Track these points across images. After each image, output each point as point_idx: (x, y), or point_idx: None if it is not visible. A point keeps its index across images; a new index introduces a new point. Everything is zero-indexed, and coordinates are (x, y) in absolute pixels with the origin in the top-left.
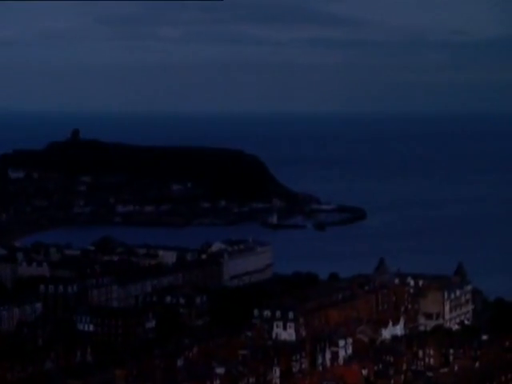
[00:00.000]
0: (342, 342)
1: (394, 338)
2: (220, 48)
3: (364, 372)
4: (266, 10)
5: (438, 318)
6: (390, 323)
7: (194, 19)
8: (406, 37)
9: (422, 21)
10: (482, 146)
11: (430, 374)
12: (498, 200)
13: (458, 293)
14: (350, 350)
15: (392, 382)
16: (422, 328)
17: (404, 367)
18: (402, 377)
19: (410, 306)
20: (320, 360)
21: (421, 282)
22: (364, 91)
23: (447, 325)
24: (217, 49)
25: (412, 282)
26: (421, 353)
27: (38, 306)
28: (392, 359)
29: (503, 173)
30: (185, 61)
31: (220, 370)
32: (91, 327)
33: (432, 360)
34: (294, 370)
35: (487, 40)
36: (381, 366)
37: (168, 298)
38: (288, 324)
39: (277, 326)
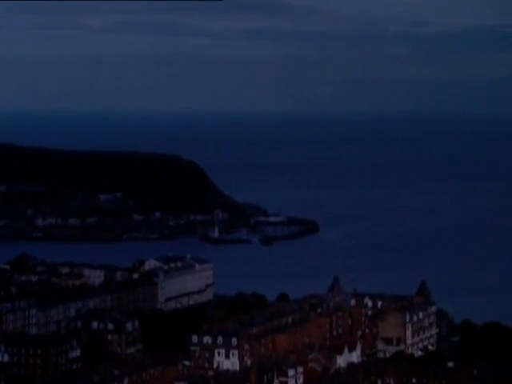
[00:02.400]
0: (291, 372)
1: (350, 365)
2: (151, 39)
3: None
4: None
5: (398, 343)
6: (346, 349)
7: (122, 7)
8: (360, 28)
9: (378, 10)
10: (446, 151)
11: None
12: (463, 211)
13: (420, 315)
14: (300, 380)
15: None
16: (381, 355)
17: None
18: None
19: (367, 330)
20: None
21: (380, 304)
22: (314, 88)
23: (409, 351)
24: (147, 40)
25: (370, 304)
26: (380, 382)
27: None
28: None
29: (468, 180)
30: (110, 53)
31: None
32: (5, 357)
33: None
34: None
35: (450, 32)
36: None
37: (95, 324)
38: (231, 351)
39: (218, 354)
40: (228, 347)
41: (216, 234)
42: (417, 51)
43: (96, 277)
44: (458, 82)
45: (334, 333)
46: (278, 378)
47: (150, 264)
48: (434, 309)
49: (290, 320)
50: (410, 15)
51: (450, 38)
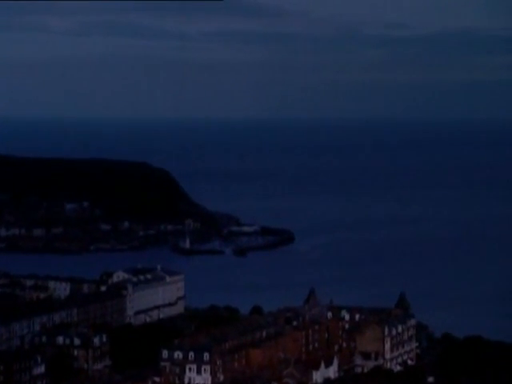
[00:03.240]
0: None
1: (327, 381)
2: (119, 41)
3: None
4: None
5: (377, 357)
6: (322, 364)
7: (88, 8)
8: (336, 30)
9: (354, 12)
10: (426, 157)
11: None
12: (442, 220)
13: (399, 328)
14: None
15: None
16: (358, 370)
17: None
18: None
19: (344, 345)
20: None
21: (357, 316)
22: (287, 94)
23: (388, 365)
24: (115, 42)
25: (347, 317)
26: None
27: None
28: None
29: (446, 188)
30: (77, 56)
31: None
32: None
33: None
34: None
35: (429, 35)
36: None
37: (60, 338)
38: (203, 367)
39: (190, 370)
40: (200, 363)
41: (187, 244)
42: (394, 55)
43: (62, 289)
44: (438, 87)
45: (310, 347)
46: None
47: (119, 276)
48: (413, 322)
49: (264, 334)
50: (386, 17)
51: (429, 40)
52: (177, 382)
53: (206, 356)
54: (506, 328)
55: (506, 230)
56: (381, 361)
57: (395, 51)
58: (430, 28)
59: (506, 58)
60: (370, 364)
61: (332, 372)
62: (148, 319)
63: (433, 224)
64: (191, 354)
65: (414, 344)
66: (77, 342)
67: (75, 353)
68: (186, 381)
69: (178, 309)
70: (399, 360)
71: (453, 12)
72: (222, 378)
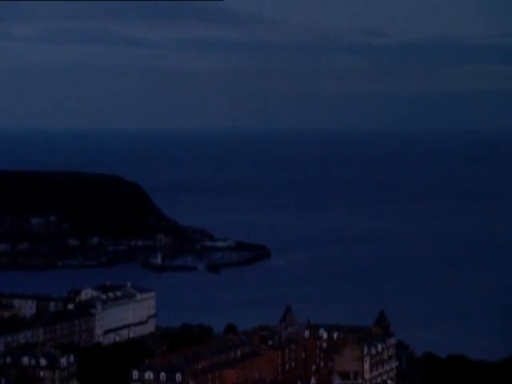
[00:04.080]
0: None
1: None
2: (86, 49)
3: None
4: (143, 6)
5: (356, 377)
6: None
7: (55, 15)
8: (313, 38)
9: (331, 20)
10: (406, 170)
11: None
12: (424, 235)
13: (379, 347)
14: None
15: None
16: None
17: None
18: None
19: (322, 364)
20: None
21: (335, 335)
22: (262, 103)
23: None
24: (82, 50)
25: (325, 335)
26: None
27: None
28: None
29: (427, 202)
30: (42, 64)
31: None
32: None
33: None
34: None
35: (411, 43)
36: None
37: (25, 359)
38: None
39: None
40: (172, 383)
41: (159, 260)
42: (374, 63)
43: (27, 308)
44: (419, 97)
45: (287, 367)
46: None
47: (87, 293)
48: (393, 340)
49: (238, 354)
50: (366, 25)
51: (410, 49)
52: None
53: (179, 377)
54: (489, 346)
55: (488, 245)
56: (360, 381)
57: (374, 60)
58: (410, 36)
59: (487, 67)
60: None
61: None
62: (118, 338)
63: (413, 239)
64: (163, 375)
65: (395, 363)
66: (43, 362)
67: (41, 374)
68: None
69: (149, 328)
70: (379, 380)
71: (433, 20)
72: None
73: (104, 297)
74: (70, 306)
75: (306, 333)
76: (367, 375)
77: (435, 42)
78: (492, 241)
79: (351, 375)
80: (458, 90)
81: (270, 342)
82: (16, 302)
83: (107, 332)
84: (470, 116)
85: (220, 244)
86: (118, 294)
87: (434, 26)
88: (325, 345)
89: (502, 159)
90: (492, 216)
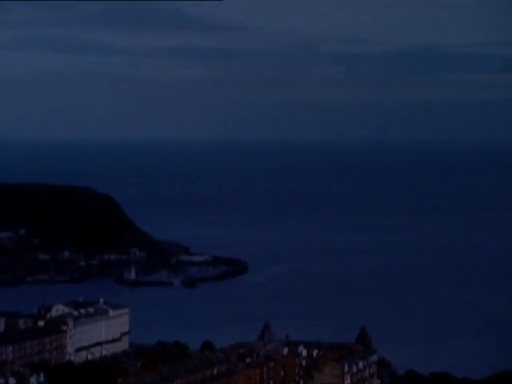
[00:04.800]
0: None
1: None
2: (58, 57)
3: None
4: (118, 13)
5: None
6: None
7: (27, 21)
8: (290, 46)
9: (309, 27)
10: (386, 182)
11: None
12: (406, 249)
13: (360, 365)
14: None
15: None
16: None
17: None
18: None
19: (302, 382)
20: None
21: (315, 352)
22: (240, 113)
23: None
24: (53, 58)
25: (304, 352)
26: None
27: None
28: None
29: (410, 215)
30: (10, 72)
31: None
32: None
33: None
34: None
35: (391, 51)
36: None
37: None
38: None
39: None
40: None
41: (133, 275)
42: (352, 72)
43: None
44: (401, 107)
45: None
46: None
47: (58, 310)
48: (375, 358)
49: (215, 372)
50: (345, 33)
51: (392, 57)
52: None
53: None
54: (473, 363)
55: (472, 260)
56: None
57: (353, 68)
58: (391, 44)
59: (472, 76)
60: None
61: None
62: (90, 356)
63: (396, 253)
64: None
65: (376, 381)
66: (12, 381)
67: None
68: None
69: (123, 345)
70: None
71: (415, 28)
72: None
73: (76, 313)
74: (41, 323)
75: (285, 350)
76: None
77: (417, 50)
78: (477, 255)
79: None
80: (441, 99)
81: (248, 360)
82: None
83: (79, 350)
84: (455, 126)
85: (196, 258)
86: (91, 310)
87: (416, 34)
88: (304, 362)
89: (487, 171)
90: (477, 229)
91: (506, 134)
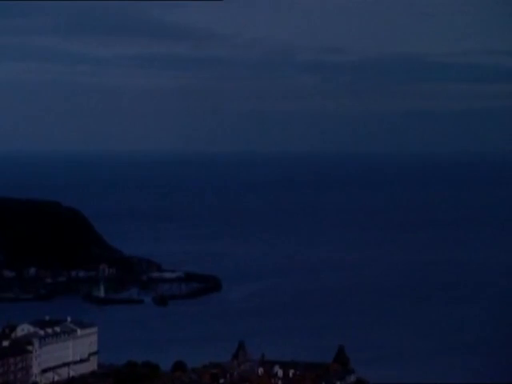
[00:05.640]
0: None
1: None
2: (19, 66)
3: None
4: (82, 19)
5: None
6: None
7: None
8: (264, 55)
9: (284, 35)
10: (362, 196)
11: None
12: (384, 265)
13: None
14: None
15: None
16: None
17: None
18: None
19: None
20: None
21: (291, 372)
22: (212, 124)
23: None
24: (14, 66)
25: (280, 372)
26: None
27: None
28: None
29: (391, 229)
30: None
31: None
32: None
33: None
34: None
35: (369, 60)
36: None
37: None
38: None
39: None
40: None
41: (101, 292)
42: (330, 81)
43: None
44: (377, 117)
45: None
46: None
47: (23, 329)
48: (353, 378)
49: None
50: (321, 41)
51: (369, 67)
52: None
53: None
54: (451, 383)
55: (455, 276)
56: None
57: (329, 78)
58: (368, 53)
59: (450, 86)
60: None
61: None
62: (56, 378)
63: (375, 269)
64: None
65: None
66: None
67: None
68: None
69: (91, 366)
70: None
71: (391, 37)
72: None
73: (42, 333)
74: (5, 343)
75: (260, 370)
76: None
77: (395, 59)
78: (461, 272)
79: None
80: (419, 109)
81: (222, 381)
82: None
83: (45, 371)
84: (433, 137)
85: (168, 275)
86: (57, 329)
87: (394, 42)
88: (280, 383)
89: (469, 184)
90: (459, 245)
91: (486, 146)
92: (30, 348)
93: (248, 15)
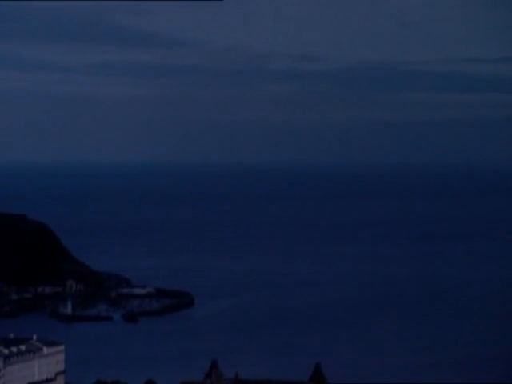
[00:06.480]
0: None
1: None
2: None
3: None
4: (50, 26)
5: None
6: None
7: None
8: (237, 63)
9: (258, 43)
10: (345, 209)
11: None
12: (363, 280)
13: None
14: None
15: None
16: None
17: None
18: None
19: None
20: None
21: None
22: (182, 134)
23: None
24: None
25: None
26: None
27: None
28: None
29: (369, 243)
30: None
31: None
32: None
33: None
34: None
35: (345, 69)
36: None
37: None
38: None
39: None
40: None
41: (69, 309)
42: (303, 91)
43: None
44: (352, 127)
45: None
46: None
47: None
48: None
49: None
50: (296, 49)
51: (345, 75)
52: None
53: None
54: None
55: (434, 291)
56: None
57: (304, 87)
58: (345, 62)
59: (428, 95)
60: None
61: None
62: None
63: (352, 284)
64: None
65: None
66: None
67: None
68: None
69: None
70: None
71: (368, 44)
72: None
73: (6, 351)
74: None
75: None
76: None
77: (372, 68)
78: (440, 287)
79: None
80: (397, 119)
81: None
82: None
83: None
84: (411, 147)
85: (138, 291)
86: (23, 348)
87: (371, 51)
88: None
89: (447, 196)
90: (437, 259)
91: (466, 156)
92: None
93: (220, 22)
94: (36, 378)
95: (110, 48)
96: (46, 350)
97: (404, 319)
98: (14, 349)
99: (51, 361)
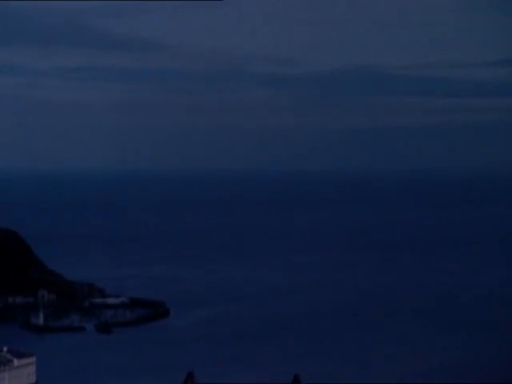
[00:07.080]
0: None
1: None
2: None
3: None
4: (20, 29)
5: None
6: None
7: None
8: (213, 67)
9: (235, 46)
10: (324, 216)
11: None
12: (343, 288)
13: None
14: None
15: None
16: None
17: None
18: None
19: None
20: None
21: None
22: (158, 140)
23: None
24: None
25: None
26: None
27: None
28: None
29: (349, 251)
30: None
31: None
32: None
33: None
34: None
35: (324, 73)
36: None
37: None
38: None
39: None
40: None
41: (41, 320)
42: (281, 95)
43: None
44: (333, 132)
45: None
46: None
47: None
48: None
49: None
50: (274, 52)
51: (324, 79)
52: None
53: None
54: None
55: (417, 299)
56: None
57: (283, 91)
58: (325, 65)
59: (408, 99)
60: None
61: None
62: None
63: (330, 294)
64: None
65: None
66: None
67: None
68: None
69: None
70: None
71: (349, 48)
72: None
73: None
74: None
75: None
76: None
77: (353, 71)
78: (419, 295)
79: None
80: (379, 124)
81: None
82: None
83: None
84: (391, 153)
85: (111, 301)
86: None
87: (352, 54)
88: None
89: (430, 203)
90: (419, 267)
91: (447, 162)
92: None
93: (196, 25)
94: None
95: (80, 51)
96: (16, 361)
97: (384, 329)
98: None
99: (22, 373)
